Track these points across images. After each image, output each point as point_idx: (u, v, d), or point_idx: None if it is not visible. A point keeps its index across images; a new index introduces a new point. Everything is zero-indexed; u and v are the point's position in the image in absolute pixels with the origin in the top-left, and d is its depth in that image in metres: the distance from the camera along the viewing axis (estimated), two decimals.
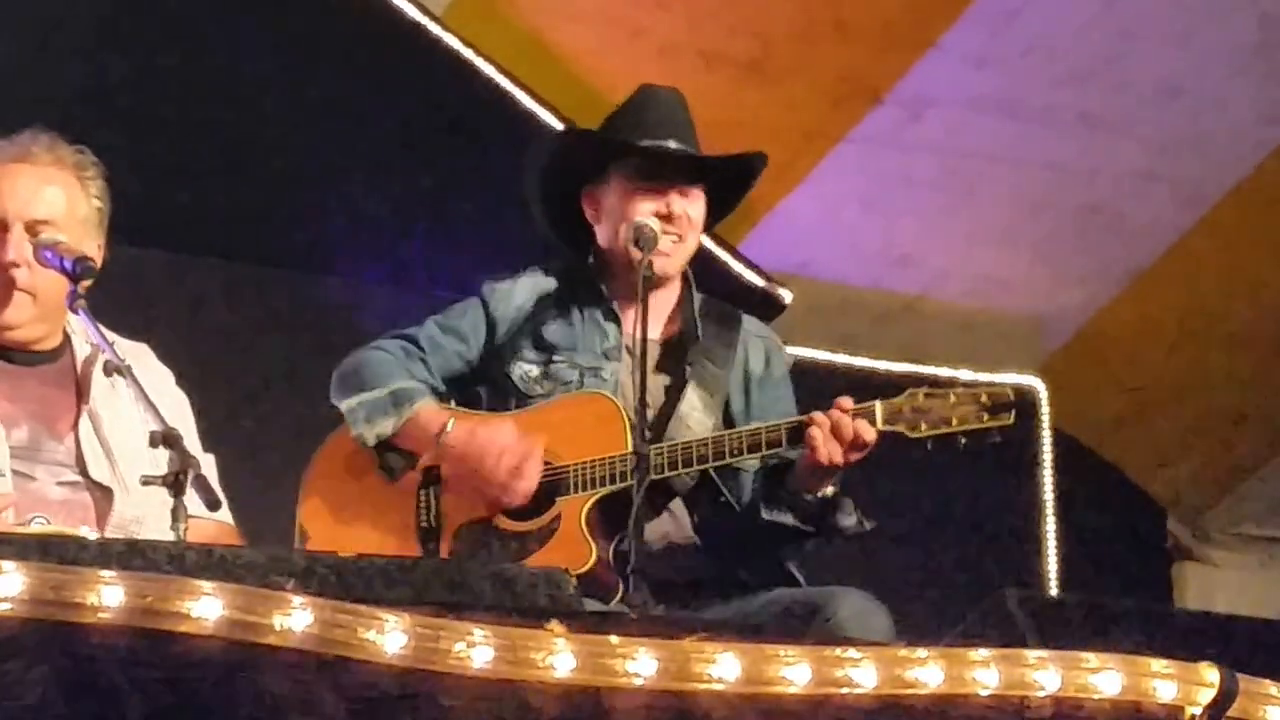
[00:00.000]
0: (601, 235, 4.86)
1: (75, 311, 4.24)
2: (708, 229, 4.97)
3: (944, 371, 7.71)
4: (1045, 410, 7.82)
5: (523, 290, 4.84)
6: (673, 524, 4.76)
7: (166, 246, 6.57)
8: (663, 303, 4.83)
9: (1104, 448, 7.74)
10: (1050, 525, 7.79)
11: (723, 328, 4.88)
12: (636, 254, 4.64)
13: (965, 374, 7.75)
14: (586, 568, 4.48)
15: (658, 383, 4.75)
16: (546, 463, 4.64)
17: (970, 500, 7.31)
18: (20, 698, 3.18)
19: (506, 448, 4.63)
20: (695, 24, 6.84)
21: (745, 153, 4.91)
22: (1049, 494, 7.79)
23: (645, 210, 4.74)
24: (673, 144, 4.78)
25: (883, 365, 7.29)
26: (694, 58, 6.87)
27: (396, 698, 3.36)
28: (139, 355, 4.49)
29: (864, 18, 6.92)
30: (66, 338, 4.52)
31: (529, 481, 4.62)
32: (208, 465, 4.20)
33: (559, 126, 6.84)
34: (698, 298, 4.90)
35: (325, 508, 4.76)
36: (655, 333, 4.80)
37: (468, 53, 6.76)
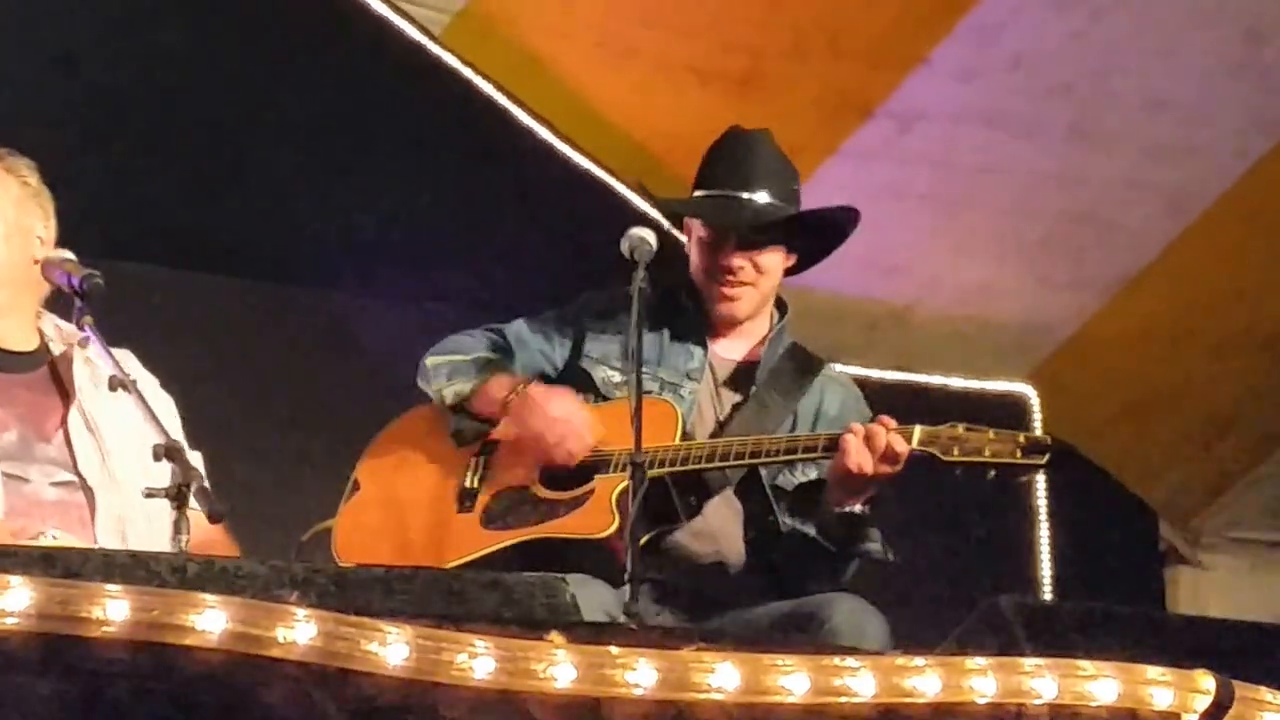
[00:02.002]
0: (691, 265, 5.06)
1: (81, 328, 4.28)
2: (797, 271, 5.07)
3: (935, 380, 7.76)
4: (1037, 417, 7.85)
5: (618, 305, 4.91)
6: (724, 540, 4.86)
7: (165, 262, 6.58)
8: (750, 331, 5.02)
9: (1096, 453, 7.75)
10: (1043, 531, 7.81)
11: (800, 368, 5.02)
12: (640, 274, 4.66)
13: (956, 382, 7.80)
14: (605, 534, 4.64)
15: (727, 399, 4.95)
16: (595, 449, 4.79)
17: (963, 507, 7.32)
18: (27, 711, 3.20)
19: (568, 414, 4.80)
20: (688, 41, 6.85)
21: (813, 210, 5.03)
22: (1042, 500, 7.82)
23: (709, 262, 4.94)
24: (745, 194, 4.92)
25: (874, 374, 7.30)
26: (687, 74, 6.88)
27: (399, 709, 3.38)
28: (123, 361, 4.51)
29: (855, 34, 6.93)
30: (44, 342, 4.58)
31: (579, 443, 4.77)
32: (195, 461, 4.22)
33: (557, 143, 6.90)
34: (788, 339, 5.06)
35: (382, 466, 4.96)
36: (737, 354, 5.02)
37: (467, 71, 6.79)
